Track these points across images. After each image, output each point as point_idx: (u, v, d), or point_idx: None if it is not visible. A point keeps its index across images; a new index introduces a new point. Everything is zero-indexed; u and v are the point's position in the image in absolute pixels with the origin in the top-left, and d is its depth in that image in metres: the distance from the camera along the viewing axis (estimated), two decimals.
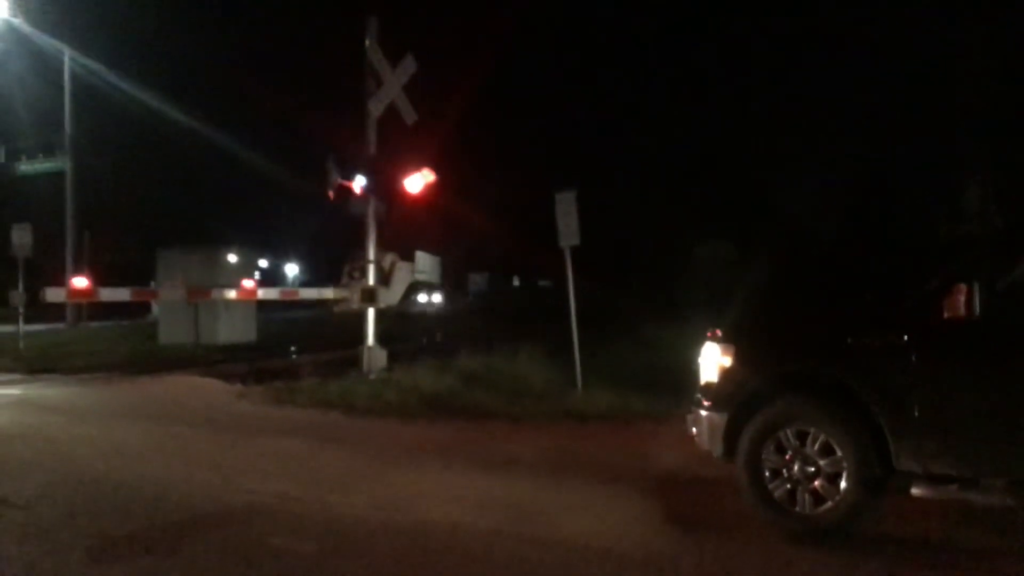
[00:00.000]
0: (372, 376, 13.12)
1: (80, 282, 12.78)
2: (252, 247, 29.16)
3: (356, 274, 13.65)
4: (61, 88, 31.23)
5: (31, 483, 7.18)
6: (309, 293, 14.94)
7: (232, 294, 14.65)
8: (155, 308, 30.71)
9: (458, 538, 5.56)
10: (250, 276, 24.77)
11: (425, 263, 14.38)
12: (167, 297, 18.21)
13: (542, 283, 70.38)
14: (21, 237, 19.28)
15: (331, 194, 13.33)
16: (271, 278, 59.73)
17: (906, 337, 5.10)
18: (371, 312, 13.64)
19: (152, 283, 25.61)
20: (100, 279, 19.25)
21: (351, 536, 5.64)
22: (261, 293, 15.00)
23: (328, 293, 13.99)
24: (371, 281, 13.60)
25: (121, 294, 14.35)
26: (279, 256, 68.74)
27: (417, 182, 13.47)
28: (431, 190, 13.68)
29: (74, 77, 31.03)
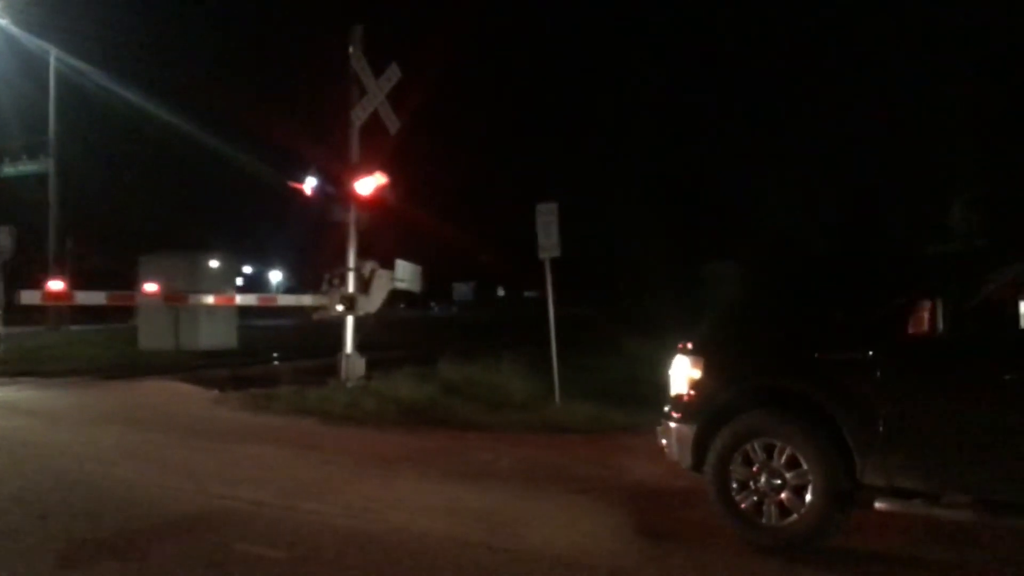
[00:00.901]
0: (350, 384, 13.11)
1: (55, 285, 12.72)
2: (236, 253, 29.09)
3: (336, 281, 13.66)
4: (46, 90, 31.12)
5: (4, 486, 7.19)
6: (288, 300, 14.89)
7: (211, 299, 14.60)
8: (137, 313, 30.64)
9: (428, 547, 5.57)
10: (233, 282, 24.73)
11: (405, 271, 14.39)
12: (143, 302, 18.15)
13: (527, 294, 70.59)
14: (2, 239, 19.16)
15: (311, 192, 13.42)
16: (255, 285, 59.56)
17: (871, 353, 5.15)
18: (350, 320, 13.65)
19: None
20: (82, 283, 19.19)
21: (321, 544, 5.65)
22: (239, 299, 14.96)
23: (307, 300, 13.98)
24: (351, 288, 13.60)
25: (97, 297, 14.26)
26: (264, 263, 68.63)
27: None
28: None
29: (59, 79, 30.93)
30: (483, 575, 5.09)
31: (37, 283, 16.50)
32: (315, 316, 13.94)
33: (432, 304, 68.14)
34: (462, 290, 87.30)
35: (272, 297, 16.32)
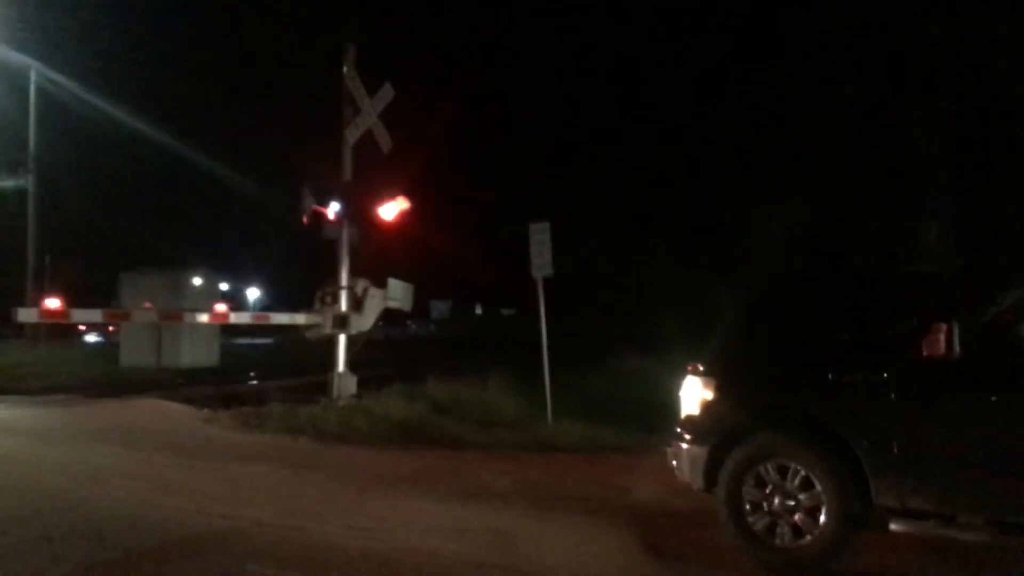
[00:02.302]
0: (342, 403, 13.05)
1: (52, 303, 12.58)
2: (215, 270, 28.99)
3: (328, 299, 13.63)
4: (27, 105, 30.80)
5: (1, 507, 7.07)
6: (281, 318, 14.79)
7: (204, 317, 14.50)
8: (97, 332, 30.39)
9: (441, 568, 5.54)
10: (216, 299, 24.64)
11: (397, 290, 14.38)
12: (139, 319, 18.04)
13: (505, 311, 70.66)
14: None
15: (304, 219, 13.35)
16: (231, 302, 59.07)
17: (886, 374, 5.21)
18: (342, 338, 13.61)
19: (111, 304, 25.36)
20: (63, 299, 19.01)
21: (331, 565, 5.59)
22: (233, 317, 14.86)
23: (300, 318, 13.92)
24: (343, 307, 13.58)
25: (93, 315, 14.16)
26: (240, 279, 68.10)
27: (392, 209, 13.51)
28: (405, 217, 13.71)
29: (41, 95, 30.64)
30: None
31: (17, 300, 16.32)
32: (309, 335, 13.86)
33: (409, 322, 67.85)
34: (439, 308, 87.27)
35: (265, 315, 16.15)
